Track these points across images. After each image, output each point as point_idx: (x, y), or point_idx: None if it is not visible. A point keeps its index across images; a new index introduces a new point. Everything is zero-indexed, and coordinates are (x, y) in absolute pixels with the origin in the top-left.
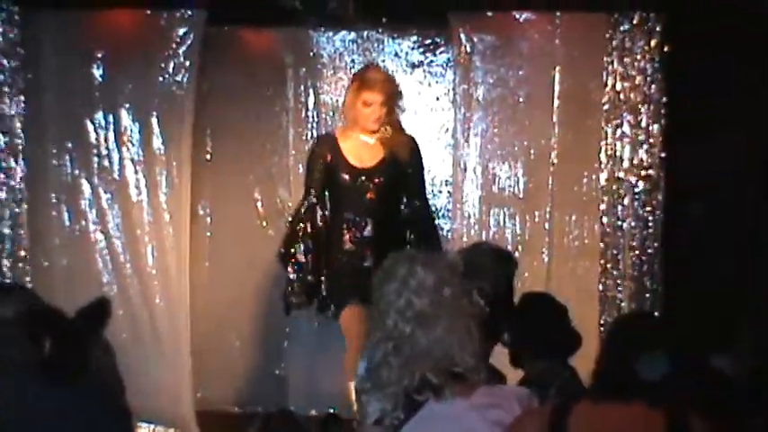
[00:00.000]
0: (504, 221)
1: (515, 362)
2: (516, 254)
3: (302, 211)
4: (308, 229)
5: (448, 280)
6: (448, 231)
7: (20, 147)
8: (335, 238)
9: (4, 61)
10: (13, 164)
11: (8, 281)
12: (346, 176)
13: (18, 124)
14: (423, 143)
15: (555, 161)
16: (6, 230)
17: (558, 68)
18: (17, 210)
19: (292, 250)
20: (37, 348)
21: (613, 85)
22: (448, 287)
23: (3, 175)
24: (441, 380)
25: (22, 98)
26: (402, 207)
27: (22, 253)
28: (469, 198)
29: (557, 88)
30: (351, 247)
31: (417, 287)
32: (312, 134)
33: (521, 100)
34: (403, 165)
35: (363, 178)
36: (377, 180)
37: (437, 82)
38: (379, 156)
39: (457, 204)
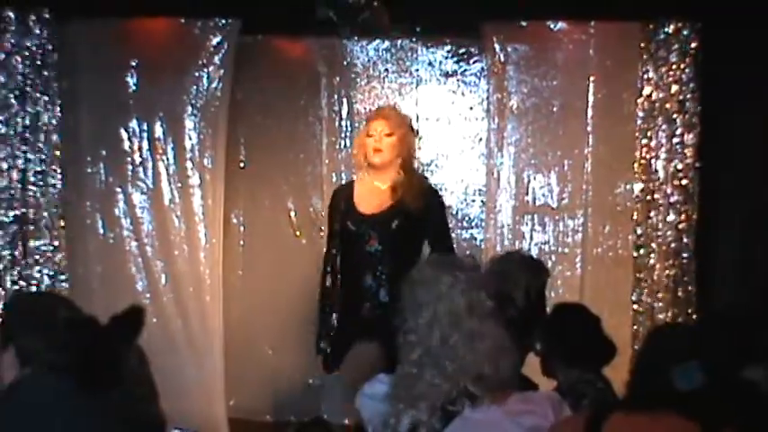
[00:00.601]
0: (538, 231)
1: (547, 371)
2: (549, 263)
3: (324, 262)
4: (328, 282)
5: (486, 290)
6: (480, 241)
7: (56, 155)
8: (343, 289)
9: (41, 71)
10: (49, 172)
11: (44, 288)
12: (352, 225)
13: (54, 133)
14: (456, 152)
15: (589, 171)
16: (44, 239)
17: (592, 78)
18: (54, 217)
19: (323, 299)
20: (70, 355)
21: (648, 95)
22: (487, 297)
23: (40, 183)
24: (480, 390)
25: (58, 107)
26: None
27: (60, 260)
28: (502, 208)
29: (591, 98)
30: (353, 299)
31: (459, 297)
32: (346, 143)
33: (554, 109)
34: (417, 211)
35: (366, 226)
36: (381, 228)
37: (471, 91)
38: (388, 202)
39: (490, 214)
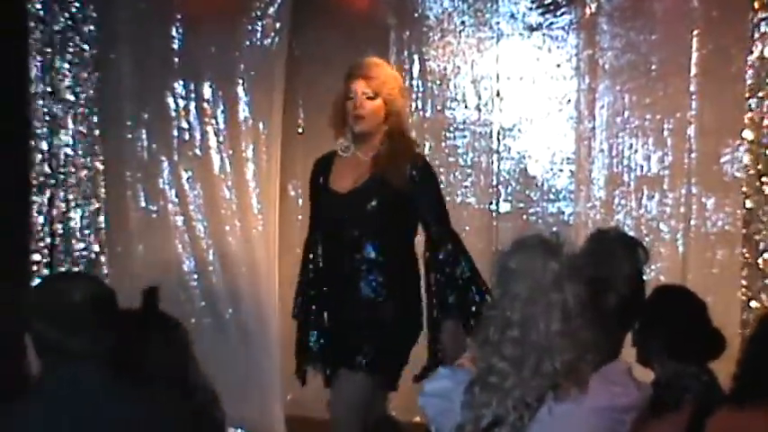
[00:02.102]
0: (634, 205)
1: (644, 361)
2: (647, 241)
3: (304, 250)
4: (310, 274)
5: (578, 273)
6: (569, 216)
7: (94, 120)
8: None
9: (78, 27)
10: (86, 140)
11: (78, 269)
12: (325, 206)
13: (91, 95)
14: (542, 116)
15: (692, 136)
16: (80, 213)
17: (695, 32)
18: (92, 190)
19: (302, 303)
20: (105, 338)
21: (760, 52)
22: (579, 281)
23: (78, 152)
24: (567, 381)
25: (96, 67)
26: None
27: (98, 238)
28: (594, 178)
29: (694, 55)
30: (335, 297)
31: (566, 288)
32: (417, 105)
33: (653, 68)
34: (399, 186)
35: (340, 207)
36: (357, 208)
37: (558, 47)
38: (366, 177)
39: (580, 185)
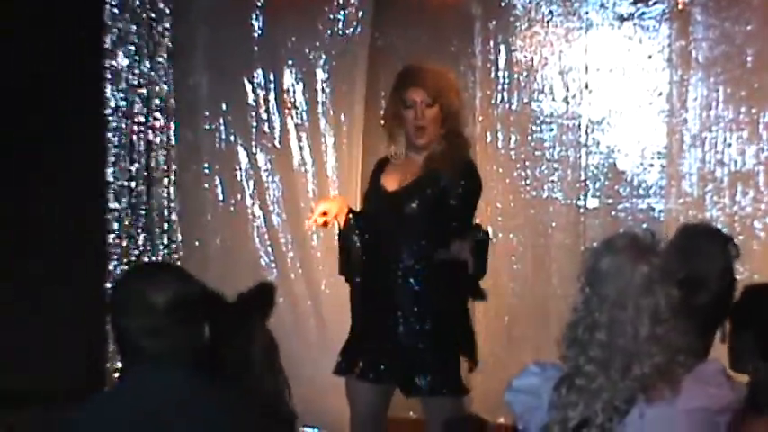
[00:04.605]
0: (727, 201)
1: (736, 364)
2: (740, 240)
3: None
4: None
5: (668, 272)
6: (660, 212)
7: (171, 110)
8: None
9: (157, 17)
10: (162, 131)
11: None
12: (370, 204)
13: (166, 85)
14: (632, 109)
15: None
16: (157, 205)
17: None
18: (168, 182)
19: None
20: (193, 337)
21: None
22: (671, 283)
23: (156, 142)
24: (659, 383)
25: (173, 57)
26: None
27: (173, 231)
28: (686, 174)
29: None
30: (360, 300)
31: (658, 290)
32: (503, 97)
33: (748, 59)
34: (445, 187)
35: (384, 205)
36: (396, 209)
37: (650, 38)
38: (414, 176)
39: (671, 181)
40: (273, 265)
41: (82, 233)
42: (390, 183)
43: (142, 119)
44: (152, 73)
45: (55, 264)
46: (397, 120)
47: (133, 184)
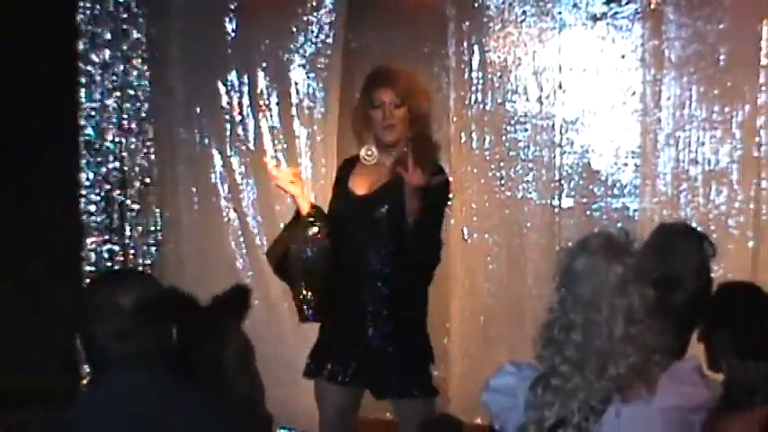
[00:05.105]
0: (701, 200)
1: (712, 362)
2: (715, 238)
3: None
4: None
5: (643, 272)
6: (635, 211)
7: (143, 113)
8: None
9: (131, 19)
10: (138, 134)
11: (131, 266)
12: (339, 208)
13: (143, 88)
14: (606, 108)
15: (761, 129)
16: (132, 210)
17: (765, 21)
18: (143, 185)
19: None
20: (160, 339)
21: None
22: (646, 282)
23: (130, 146)
24: (635, 382)
25: (148, 59)
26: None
27: (151, 235)
28: (660, 173)
29: (763, 45)
30: (339, 291)
31: (632, 290)
32: (476, 98)
33: (721, 58)
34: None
35: (354, 210)
36: (366, 213)
37: (623, 37)
38: (383, 180)
39: (646, 180)
40: (249, 267)
41: (57, 239)
42: (359, 186)
43: (115, 121)
44: (128, 76)
45: (55, 264)
46: (366, 121)
47: (108, 186)
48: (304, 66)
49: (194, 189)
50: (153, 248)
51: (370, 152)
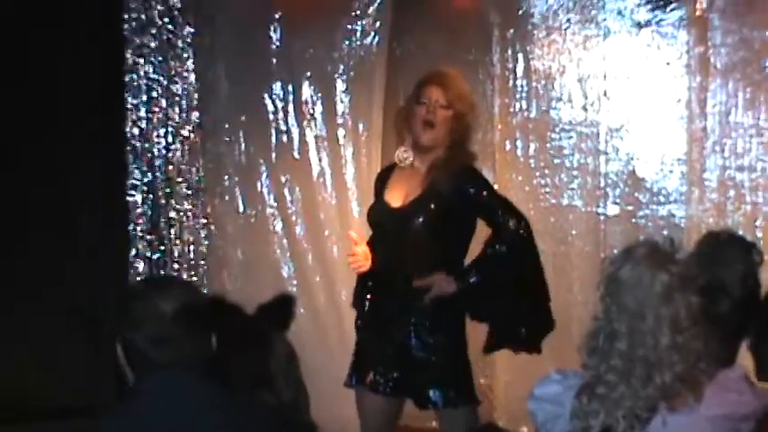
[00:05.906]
0: (748, 208)
1: (760, 372)
2: (761, 244)
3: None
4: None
5: (688, 280)
6: (681, 219)
7: (192, 124)
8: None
9: (177, 30)
10: (185, 144)
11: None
12: (374, 222)
13: (190, 98)
14: (651, 115)
15: None
16: (179, 218)
17: None
18: (190, 193)
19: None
20: (200, 346)
21: None
22: (691, 291)
23: (177, 156)
24: (681, 391)
25: (194, 70)
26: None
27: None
28: (706, 180)
29: None
30: (369, 313)
31: (678, 299)
32: (521, 106)
33: (767, 65)
34: (450, 197)
35: (390, 223)
36: (402, 225)
37: (668, 44)
38: (417, 191)
39: (692, 187)
40: (294, 276)
41: (104, 246)
42: (394, 198)
43: (162, 131)
44: (175, 86)
45: (102, 271)
46: (408, 119)
47: (155, 195)
48: (348, 74)
49: (240, 197)
50: (200, 257)
51: (405, 153)
